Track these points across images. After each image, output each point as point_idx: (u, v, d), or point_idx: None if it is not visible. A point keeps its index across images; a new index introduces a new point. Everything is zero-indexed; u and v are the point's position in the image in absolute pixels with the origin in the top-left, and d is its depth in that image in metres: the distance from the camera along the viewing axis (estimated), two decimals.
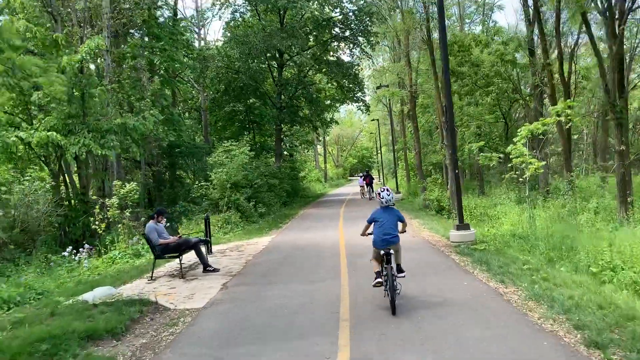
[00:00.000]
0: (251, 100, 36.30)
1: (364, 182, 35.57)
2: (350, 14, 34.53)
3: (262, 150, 37.25)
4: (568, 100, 16.17)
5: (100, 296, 8.52)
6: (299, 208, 30.48)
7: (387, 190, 7.82)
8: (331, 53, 38.52)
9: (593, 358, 5.09)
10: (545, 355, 5.25)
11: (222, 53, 32.22)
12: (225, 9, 34.42)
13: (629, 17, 17.16)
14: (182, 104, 38.78)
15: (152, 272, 10.85)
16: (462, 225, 13.03)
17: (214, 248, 14.55)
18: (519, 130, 15.09)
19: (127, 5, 22.57)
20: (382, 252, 7.46)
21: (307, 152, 65.60)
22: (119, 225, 15.44)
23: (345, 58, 39.92)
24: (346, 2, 34.13)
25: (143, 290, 9.50)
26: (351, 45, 36.73)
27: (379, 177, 63.50)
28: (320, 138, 72.43)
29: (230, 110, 34.90)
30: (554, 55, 22.54)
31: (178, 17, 31.14)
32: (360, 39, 35.75)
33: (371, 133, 76.82)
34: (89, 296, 8.43)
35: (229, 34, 34.84)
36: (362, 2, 33.59)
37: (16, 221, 16.56)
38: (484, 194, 26.82)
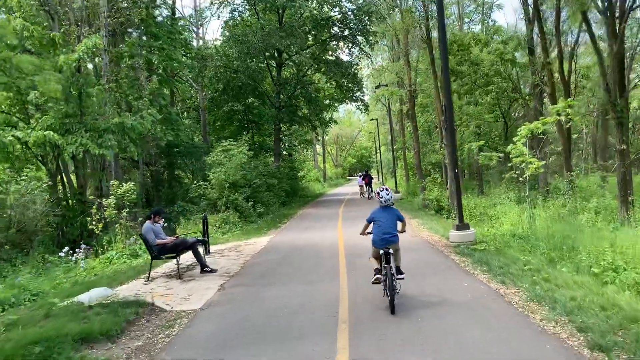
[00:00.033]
0: (250, 100, 36.15)
1: (363, 181, 35.47)
2: (349, 13, 34.40)
3: (261, 150, 37.14)
4: (568, 99, 16.07)
5: (96, 297, 8.42)
6: (298, 208, 30.36)
7: (387, 189, 7.80)
8: (330, 52, 38.38)
9: None
10: (549, 358, 5.16)
11: (221, 52, 32.10)
12: (223, 8, 34.23)
13: (629, 16, 17.01)
14: (181, 104, 38.63)
15: (149, 273, 10.74)
16: (462, 225, 12.93)
17: (212, 248, 14.45)
18: (518, 129, 14.99)
19: (125, 4, 22.43)
20: (381, 251, 7.41)
21: (306, 151, 65.42)
22: (116, 226, 15.34)
23: (344, 57, 39.81)
24: (345, 1, 34.00)
25: (140, 291, 9.40)
26: (350, 45, 36.57)
27: (378, 176, 63.40)
28: (319, 138, 72.30)
29: (229, 110, 34.77)
30: (554, 54, 22.41)
31: (176, 16, 30.99)
32: (359, 38, 35.61)
33: (370, 133, 76.83)
34: (84, 297, 8.33)
35: (227, 33, 34.71)
36: (360, 1, 33.44)
37: (12, 221, 16.42)
38: (483, 194, 26.72)
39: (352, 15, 34.31)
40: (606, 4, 15.77)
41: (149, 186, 27.51)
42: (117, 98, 21.49)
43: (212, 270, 10.96)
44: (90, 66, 24.22)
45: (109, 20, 20.74)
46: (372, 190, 33.48)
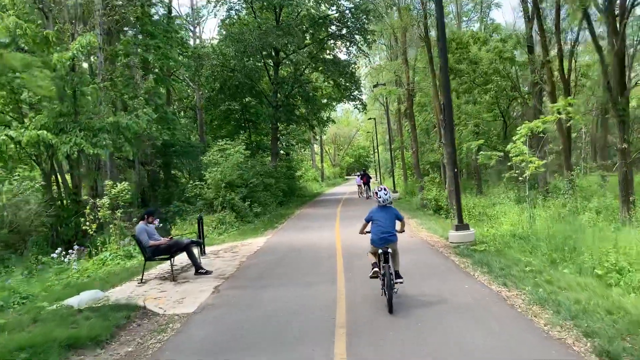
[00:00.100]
0: (247, 99, 35.95)
1: (361, 181, 35.29)
2: (347, 11, 34.22)
3: (258, 150, 36.93)
4: (569, 98, 15.87)
5: (87, 300, 8.20)
6: (296, 208, 30.14)
7: (385, 189, 7.73)
8: (328, 51, 38.20)
9: None
10: None
11: (218, 51, 31.88)
12: (220, 7, 34.00)
13: (630, 13, 16.81)
14: (177, 103, 38.42)
15: (142, 275, 10.52)
16: (462, 226, 12.72)
17: (208, 249, 14.22)
18: (518, 128, 14.80)
19: (120, 2, 22.19)
20: (380, 250, 7.34)
21: (304, 151, 65.26)
22: (111, 226, 15.11)
23: (342, 56, 39.68)
24: None
25: (132, 293, 9.18)
26: (348, 44, 36.39)
27: (376, 176, 63.21)
28: (317, 137, 72.08)
29: (226, 109, 34.58)
30: (553, 52, 22.21)
31: (172, 15, 30.75)
32: (357, 37, 35.42)
33: (368, 132, 76.60)
34: (74, 301, 8.10)
35: (224, 32, 34.48)
36: None
37: (4, 222, 16.19)
38: (482, 193, 26.54)
39: (349, 14, 34.15)
40: (606, 2, 15.58)
41: (145, 186, 27.28)
42: (112, 97, 21.24)
43: (207, 272, 10.74)
44: (85, 65, 24.01)
45: (103, 18, 20.50)
46: (370, 190, 33.29)
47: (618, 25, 15.38)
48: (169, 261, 10.61)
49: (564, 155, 19.81)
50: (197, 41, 39.83)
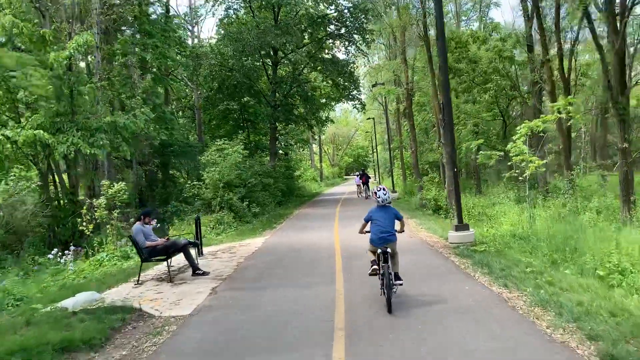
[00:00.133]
0: (245, 99, 35.83)
1: (360, 180, 35.20)
2: (346, 11, 34.10)
3: (257, 149, 36.81)
4: (569, 97, 15.77)
5: (82, 302, 8.08)
6: (294, 208, 30.02)
7: (384, 189, 7.70)
8: (326, 51, 38.09)
9: None
10: None
11: (216, 50, 31.75)
12: (218, 6, 33.90)
13: (630, 12, 16.72)
14: (176, 103, 38.28)
15: (139, 276, 10.40)
16: (461, 226, 12.61)
17: (205, 250, 14.12)
18: (518, 127, 14.71)
19: (117, 1, 22.04)
20: (379, 250, 7.31)
21: (303, 151, 65.17)
22: (107, 227, 14.98)
23: (341, 56, 39.54)
24: None
25: (128, 295, 9.07)
26: (346, 43, 36.27)
27: (375, 176, 63.12)
28: (316, 137, 71.98)
29: (224, 109, 34.42)
30: (553, 51, 22.12)
31: (170, 14, 30.61)
32: (356, 36, 35.31)
33: (367, 132, 76.46)
34: (69, 303, 7.99)
35: (222, 31, 34.36)
36: None
37: (0, 222, 16.06)
38: (481, 193, 26.45)
39: (348, 13, 34.04)
40: (606, 1, 15.49)
41: (143, 186, 27.13)
42: (110, 96, 21.12)
43: (205, 273, 10.62)
44: (82, 64, 23.88)
45: (101, 17, 20.37)
46: (369, 190, 33.20)
47: (618, 24, 15.29)
48: (166, 262, 10.50)
49: (563, 154, 19.72)
50: (196, 41, 39.71)
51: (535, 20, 21.19)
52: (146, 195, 26.80)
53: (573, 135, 28.30)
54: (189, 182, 24.08)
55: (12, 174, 18.04)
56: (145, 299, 8.60)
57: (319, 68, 37.10)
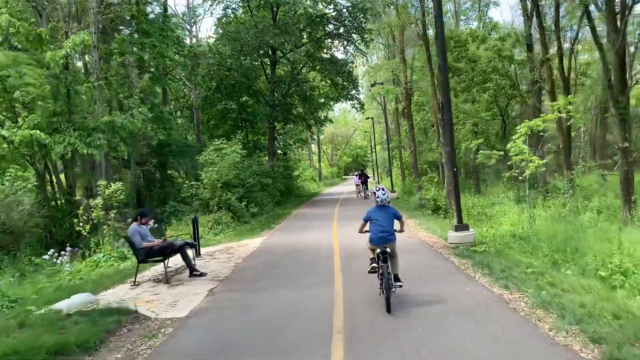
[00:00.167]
0: (244, 98, 35.66)
1: (360, 180, 35.10)
2: (344, 10, 34.00)
3: (255, 149, 36.68)
4: (569, 96, 15.68)
5: (77, 304, 7.96)
6: (293, 208, 29.90)
7: (383, 189, 7.68)
8: (325, 50, 37.98)
9: None
10: None
11: (214, 50, 31.62)
12: (216, 5, 33.81)
13: (631, 10, 16.61)
14: (174, 102, 38.16)
15: (135, 277, 10.30)
16: (461, 226, 12.51)
17: (203, 250, 14.01)
18: (517, 127, 14.60)
19: (115, 0, 21.93)
20: (378, 250, 7.27)
21: (301, 150, 65.01)
22: (104, 227, 14.85)
23: (339, 55, 39.44)
24: None
25: (125, 296, 8.96)
26: (345, 43, 36.18)
27: (374, 176, 63.03)
28: (315, 137, 71.88)
29: (223, 108, 34.26)
30: (552, 50, 22.01)
31: (168, 13, 30.49)
32: (355, 36, 35.21)
33: (365, 132, 76.38)
34: (63, 305, 7.86)
35: (220, 31, 34.24)
36: None
37: None
38: (480, 193, 26.34)
39: (347, 13, 33.94)
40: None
41: (141, 186, 27.01)
42: (107, 96, 21.00)
43: (202, 274, 10.52)
44: (80, 64, 23.75)
45: (98, 16, 20.25)
46: (368, 189, 33.10)
47: (619, 23, 15.19)
48: (162, 263, 10.39)
49: (563, 154, 19.63)
50: (194, 40, 39.60)
51: (534, 19, 21.11)
52: (144, 196, 26.68)
53: (572, 134, 28.24)
54: (187, 182, 23.96)
55: (8, 174, 17.90)
56: (141, 301, 8.49)
57: (317, 67, 36.97)
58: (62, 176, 21.22)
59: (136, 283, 10.11)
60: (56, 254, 13.38)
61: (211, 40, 35.94)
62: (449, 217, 17.60)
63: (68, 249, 13.74)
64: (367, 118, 53.83)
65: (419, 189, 28.40)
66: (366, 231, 7.74)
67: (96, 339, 6.33)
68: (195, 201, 22.01)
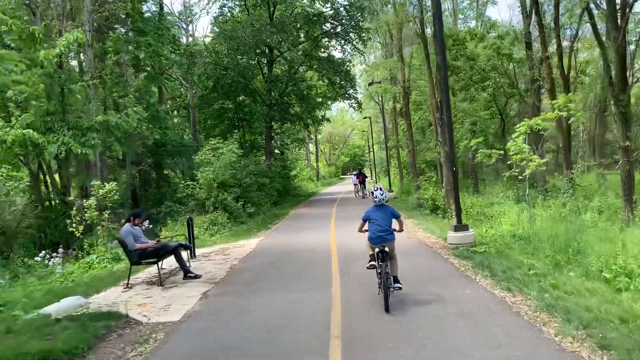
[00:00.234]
0: (241, 98, 35.42)
1: (357, 180, 34.92)
2: (341, 9, 33.85)
3: (252, 149, 36.46)
4: (569, 94, 15.48)
5: (66, 308, 7.74)
6: (290, 208, 29.67)
7: (380, 189, 7.63)
8: (322, 49, 37.78)
9: None
10: None
11: (210, 49, 31.39)
12: (213, 4, 33.64)
13: (632, 7, 16.43)
14: (170, 102, 37.92)
15: (128, 280, 10.06)
16: (460, 226, 12.31)
17: (198, 251, 13.77)
18: (517, 126, 14.41)
19: None
20: (377, 249, 7.21)
21: (299, 150, 64.76)
22: (98, 228, 14.61)
23: (337, 54, 39.25)
24: None
25: (116, 300, 8.73)
26: (342, 42, 36.00)
27: (372, 175, 62.84)
28: (312, 136, 71.64)
29: (219, 108, 34.01)
30: (552, 48, 21.83)
31: (164, 12, 30.25)
32: (352, 35, 35.03)
33: (363, 131, 76.16)
34: (53, 309, 7.64)
35: (217, 30, 34.02)
36: None
37: None
38: (479, 192, 26.14)
39: (344, 11, 33.78)
40: None
41: (137, 186, 26.77)
42: (102, 95, 20.76)
43: (196, 276, 10.28)
44: (74, 63, 23.51)
45: (93, 14, 20.00)
46: (365, 189, 32.91)
47: (619, 21, 15.00)
48: (156, 265, 10.16)
49: (563, 153, 19.46)
50: (190, 39, 39.37)
51: (534, 17, 20.91)
52: (140, 196, 26.45)
53: (571, 133, 28.06)
54: (183, 182, 23.72)
55: (0, 173, 17.65)
56: (133, 304, 8.26)
57: (314, 67, 36.76)
58: (56, 176, 20.97)
59: (129, 285, 9.87)
60: (48, 256, 13.13)
61: (208, 39, 35.73)
62: (448, 217, 17.39)
63: (60, 250, 13.51)
64: (365, 117, 53.67)
65: (417, 188, 28.19)
66: (365, 230, 7.68)
67: (84, 345, 6.09)
68: (191, 201, 21.78)
